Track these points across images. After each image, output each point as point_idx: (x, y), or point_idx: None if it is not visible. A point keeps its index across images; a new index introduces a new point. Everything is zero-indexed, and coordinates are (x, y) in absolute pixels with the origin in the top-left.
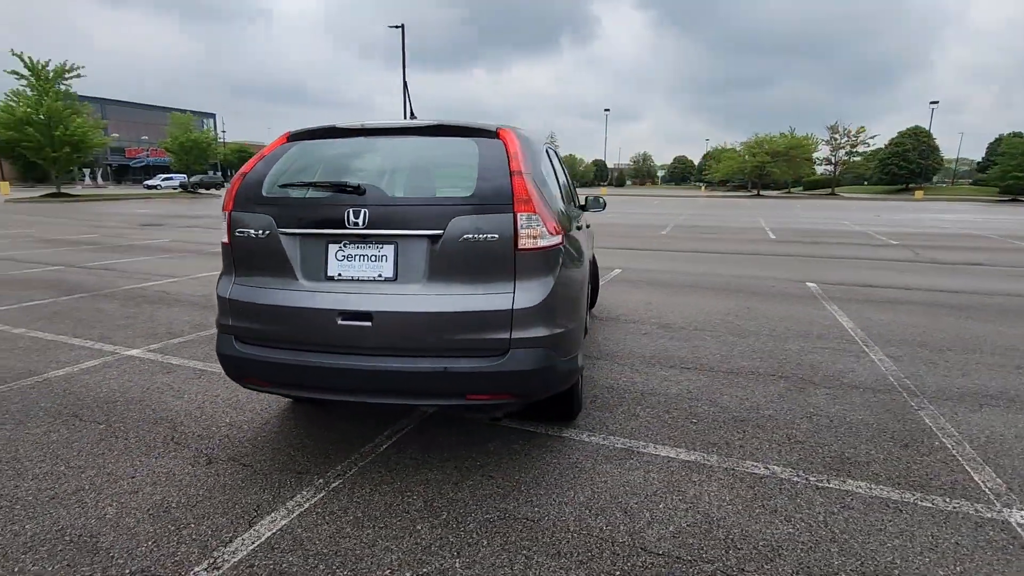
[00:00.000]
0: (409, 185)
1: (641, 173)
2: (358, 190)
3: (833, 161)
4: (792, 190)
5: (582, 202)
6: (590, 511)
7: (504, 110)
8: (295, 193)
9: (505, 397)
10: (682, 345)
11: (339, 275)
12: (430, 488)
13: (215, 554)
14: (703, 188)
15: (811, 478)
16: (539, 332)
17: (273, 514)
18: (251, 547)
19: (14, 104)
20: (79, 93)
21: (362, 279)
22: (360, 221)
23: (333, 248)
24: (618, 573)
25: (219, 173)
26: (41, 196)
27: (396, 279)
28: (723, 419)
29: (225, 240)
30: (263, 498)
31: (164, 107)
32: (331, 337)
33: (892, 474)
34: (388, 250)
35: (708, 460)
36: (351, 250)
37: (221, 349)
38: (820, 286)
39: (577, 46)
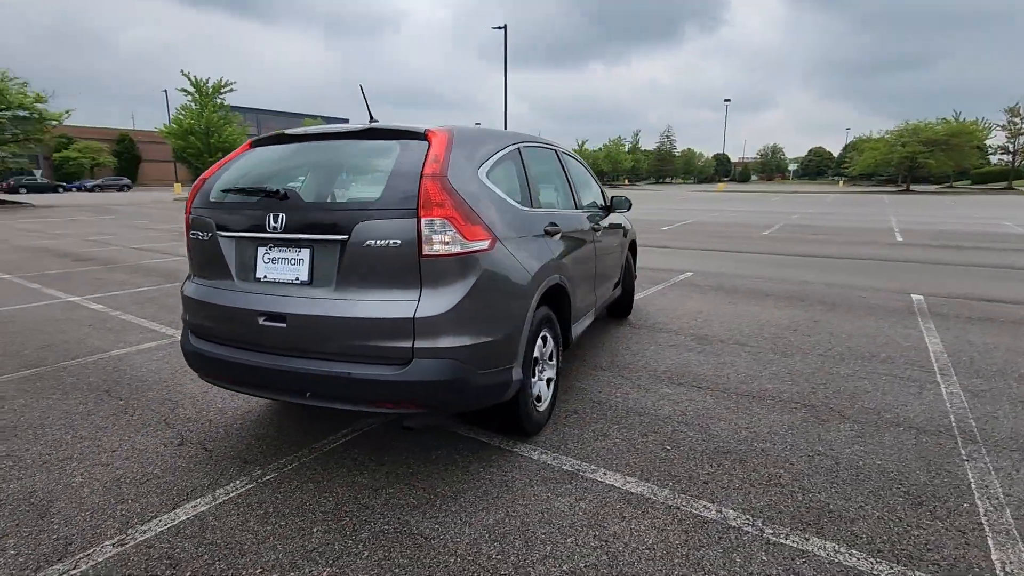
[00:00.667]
0: (326, 190)
1: (769, 167)
2: (278, 194)
3: (1012, 149)
4: (955, 184)
5: (604, 202)
6: (490, 536)
7: (619, 105)
8: (232, 198)
9: (409, 407)
10: (707, 360)
11: (264, 277)
12: (349, 491)
13: (129, 531)
14: (841, 183)
15: (768, 530)
16: (447, 342)
17: (198, 500)
18: (161, 529)
19: (182, 117)
20: (235, 105)
21: (282, 281)
22: (279, 225)
23: (261, 251)
24: None
25: None
26: (174, 200)
27: (311, 283)
28: (704, 449)
29: (186, 240)
30: (201, 483)
31: (302, 114)
32: (255, 336)
33: (878, 537)
34: (305, 254)
35: (655, 495)
36: (275, 253)
37: (181, 342)
38: (927, 299)
39: (703, 34)
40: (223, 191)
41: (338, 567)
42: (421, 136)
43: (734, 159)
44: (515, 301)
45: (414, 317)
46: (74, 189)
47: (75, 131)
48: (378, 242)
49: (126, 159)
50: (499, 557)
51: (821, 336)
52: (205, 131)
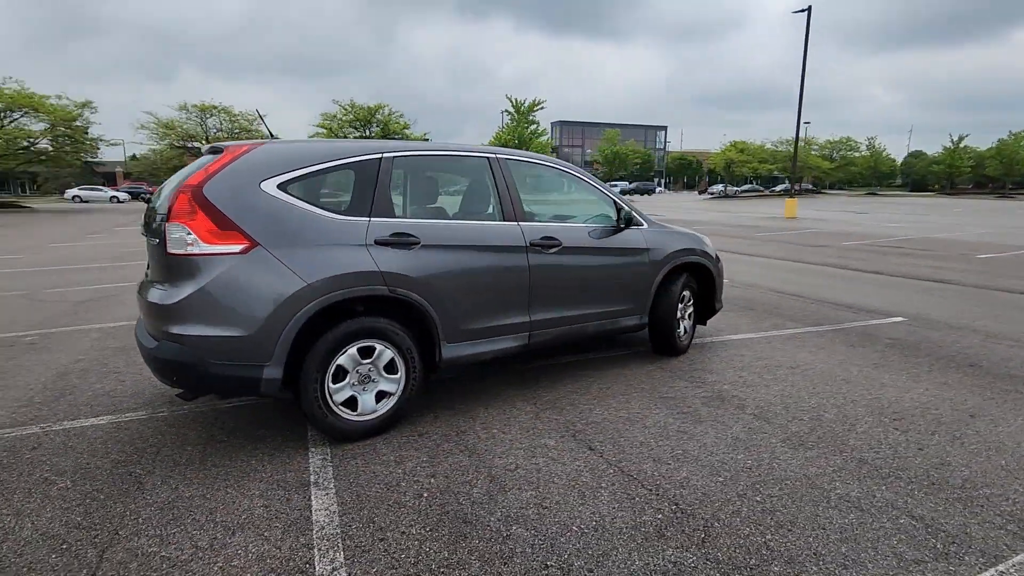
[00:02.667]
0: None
1: None
2: (148, 200)
3: None
4: None
5: (617, 219)
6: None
7: None
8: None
9: (166, 382)
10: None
11: (147, 273)
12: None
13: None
14: None
15: None
16: (179, 329)
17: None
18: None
19: (503, 134)
20: (565, 119)
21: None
22: (149, 226)
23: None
24: None
25: (660, 180)
26: None
27: (148, 275)
28: None
29: None
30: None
31: (612, 124)
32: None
33: None
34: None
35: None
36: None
37: None
38: None
39: None
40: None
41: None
42: (220, 151)
43: None
44: (272, 304)
45: (156, 303)
46: None
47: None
48: (156, 241)
49: None
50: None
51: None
52: (517, 143)
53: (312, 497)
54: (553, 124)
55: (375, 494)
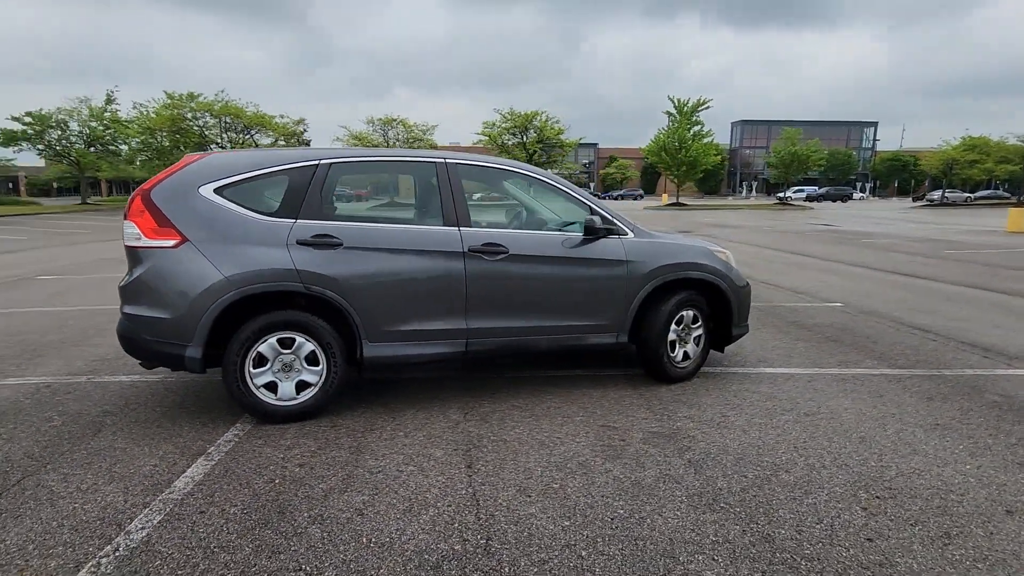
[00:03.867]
0: None
1: None
2: None
3: None
4: None
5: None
6: None
7: None
8: None
9: (125, 350)
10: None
11: None
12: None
13: None
14: None
15: None
16: (125, 308)
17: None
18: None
19: (662, 136)
20: (750, 119)
21: None
22: None
23: None
24: None
25: (863, 185)
26: (665, 204)
27: None
28: None
29: None
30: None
31: (803, 121)
32: None
33: None
34: None
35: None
36: None
37: None
38: None
39: None
40: None
41: None
42: (180, 159)
43: None
44: (192, 292)
45: (119, 287)
46: (605, 198)
47: (618, 151)
48: None
49: (649, 175)
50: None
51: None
52: (677, 146)
53: (193, 465)
54: (733, 124)
55: (242, 473)
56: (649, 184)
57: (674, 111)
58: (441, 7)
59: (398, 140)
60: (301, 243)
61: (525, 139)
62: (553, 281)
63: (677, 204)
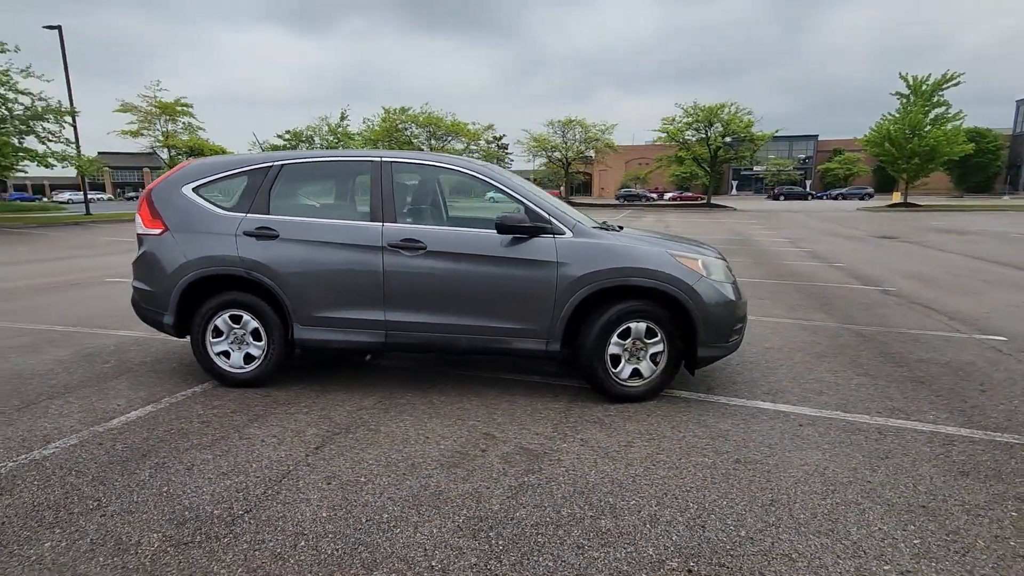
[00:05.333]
0: None
1: None
2: None
3: None
4: None
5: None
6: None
7: None
8: None
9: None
10: None
11: None
12: None
13: None
14: None
15: None
16: (134, 283)
17: None
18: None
19: (884, 123)
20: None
21: None
22: None
23: None
24: None
25: None
26: (888, 206)
27: None
28: None
29: None
30: None
31: None
32: None
33: None
34: None
35: None
36: None
37: None
38: None
39: None
40: None
41: None
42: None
43: None
44: (166, 271)
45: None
46: (823, 197)
47: (844, 143)
48: None
49: (885, 171)
50: None
51: None
52: (908, 134)
53: (139, 409)
54: (1019, 102)
55: (159, 421)
56: (886, 181)
57: (908, 91)
58: (650, 3)
59: (575, 140)
60: (247, 234)
61: (708, 134)
62: (474, 280)
63: (904, 205)
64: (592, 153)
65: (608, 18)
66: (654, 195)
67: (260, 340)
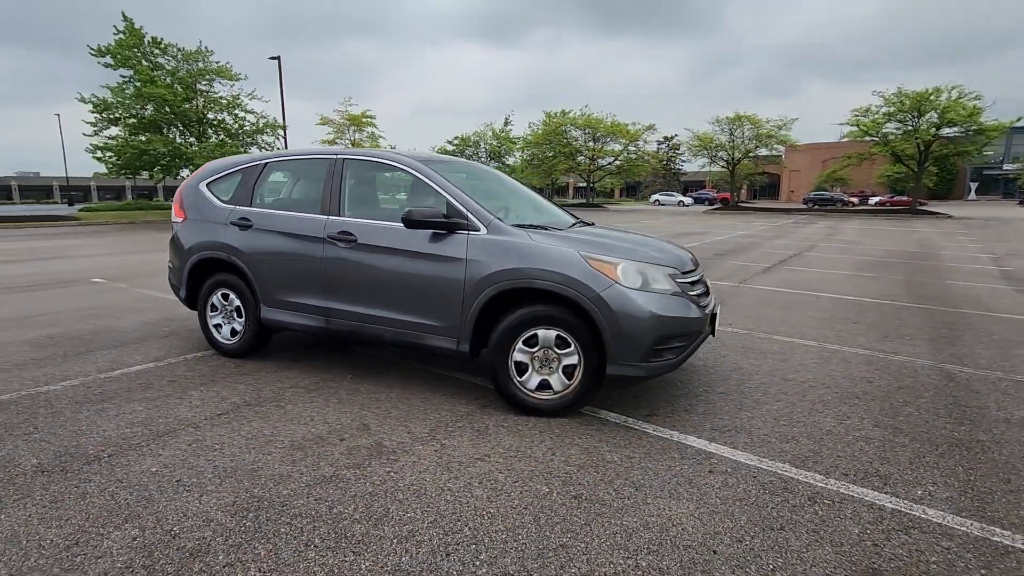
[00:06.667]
0: None
1: None
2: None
3: None
4: None
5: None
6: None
7: None
8: None
9: None
10: None
11: None
12: None
13: None
14: None
15: None
16: (168, 262)
17: None
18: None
19: None
20: None
21: None
22: None
23: None
24: None
25: None
26: None
27: None
28: None
29: None
30: None
31: None
32: None
33: None
34: None
35: None
36: None
37: None
38: None
39: None
40: None
41: None
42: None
43: None
44: (181, 252)
45: None
46: None
47: None
48: None
49: None
50: None
51: None
52: None
53: (143, 365)
54: None
55: (144, 378)
56: None
57: None
58: None
59: (745, 139)
60: (232, 223)
61: (915, 124)
62: (393, 273)
63: None
64: (764, 151)
65: (816, 2)
66: (854, 199)
67: (242, 317)
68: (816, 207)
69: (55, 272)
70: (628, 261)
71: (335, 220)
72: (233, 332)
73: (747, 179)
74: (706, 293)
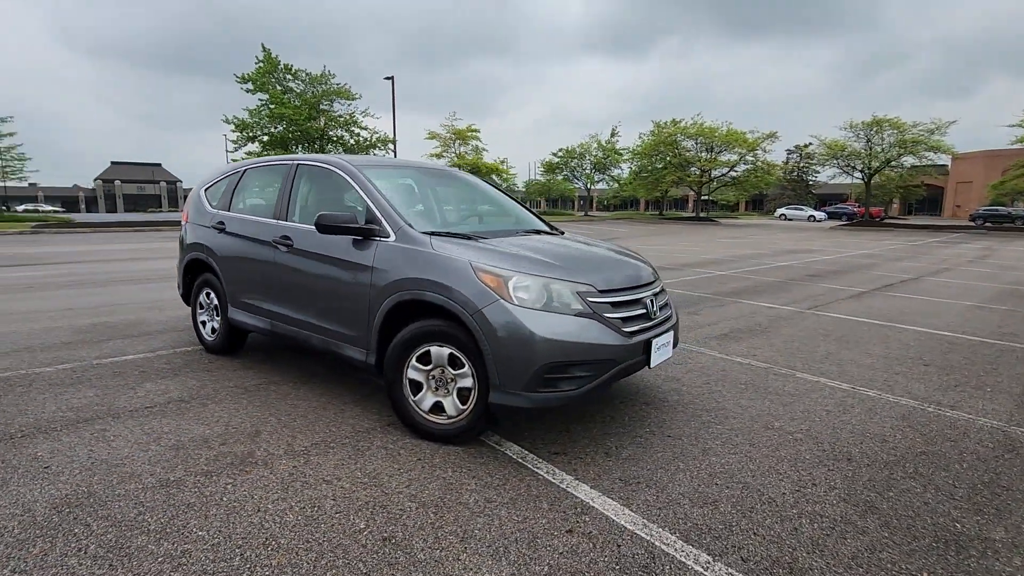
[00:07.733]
0: None
1: None
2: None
3: None
4: None
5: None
6: None
7: None
8: None
9: None
10: None
11: None
12: None
13: None
14: None
15: None
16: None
17: None
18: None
19: None
20: None
21: None
22: None
23: None
24: None
25: None
26: None
27: None
28: None
29: None
30: None
31: None
32: None
33: None
34: None
35: None
36: None
37: None
38: None
39: None
40: None
41: None
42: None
43: None
44: (180, 254)
45: None
46: None
47: None
48: None
49: None
50: None
51: None
52: None
53: (140, 355)
54: None
55: (136, 367)
56: None
57: None
58: None
59: (884, 146)
60: (212, 227)
61: None
62: (319, 279)
63: None
64: (911, 160)
65: None
66: None
67: (219, 316)
68: (987, 224)
69: (164, 269)
70: (523, 275)
71: (280, 224)
72: (213, 330)
73: (899, 192)
74: (645, 316)
